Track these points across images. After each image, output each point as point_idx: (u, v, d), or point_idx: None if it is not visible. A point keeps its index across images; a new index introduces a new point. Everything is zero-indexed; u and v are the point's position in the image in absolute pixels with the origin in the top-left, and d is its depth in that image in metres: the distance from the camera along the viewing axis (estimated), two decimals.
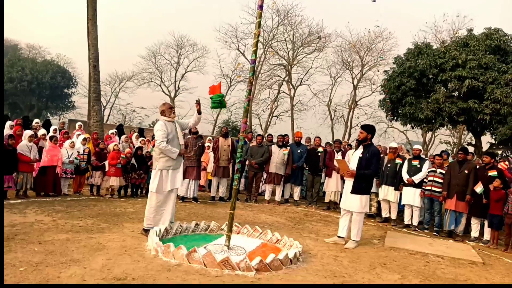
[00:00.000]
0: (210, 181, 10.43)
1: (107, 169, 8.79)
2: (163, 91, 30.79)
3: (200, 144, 9.23)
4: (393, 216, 8.70)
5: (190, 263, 4.40)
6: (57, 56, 34.31)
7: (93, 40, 13.59)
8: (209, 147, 10.83)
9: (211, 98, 5.55)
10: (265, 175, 10.47)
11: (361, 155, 6.31)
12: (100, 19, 13.90)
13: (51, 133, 9.15)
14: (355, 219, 6.28)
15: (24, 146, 7.80)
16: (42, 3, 60.30)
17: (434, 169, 8.33)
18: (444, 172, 8.17)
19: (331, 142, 10.91)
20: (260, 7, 5.19)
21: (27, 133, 8.08)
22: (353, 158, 6.53)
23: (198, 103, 6.02)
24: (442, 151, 9.56)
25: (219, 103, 5.57)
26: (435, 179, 8.19)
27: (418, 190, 8.30)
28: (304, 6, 45.46)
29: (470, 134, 16.58)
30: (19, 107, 31.15)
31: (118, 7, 55.84)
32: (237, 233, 6.04)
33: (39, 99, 31.22)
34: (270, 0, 24.08)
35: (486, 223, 7.59)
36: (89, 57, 13.66)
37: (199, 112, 6.12)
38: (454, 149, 23.72)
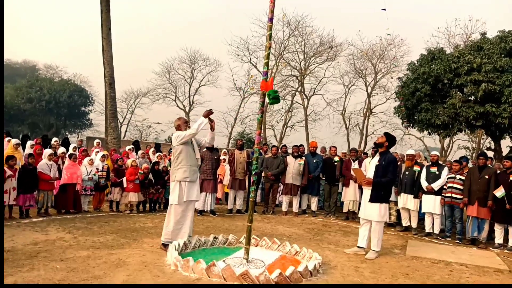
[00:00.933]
0: (227, 194, 10.45)
1: (125, 185, 8.90)
2: (178, 106, 31.16)
3: (215, 157, 9.28)
4: (414, 224, 8.55)
5: (209, 277, 4.40)
6: (74, 75, 35.25)
7: (108, 58, 13.90)
8: (225, 160, 10.87)
9: (268, 94, 5.33)
10: (281, 186, 10.44)
11: (377, 163, 6.26)
12: (113, 35, 14.21)
13: (70, 151, 9.33)
14: (375, 229, 6.20)
15: (44, 164, 7.96)
16: (58, 24, 61.98)
17: (453, 175, 8.19)
18: (463, 178, 8.02)
19: (346, 152, 10.85)
20: (270, 20, 5.24)
21: (47, 151, 8.26)
22: (370, 166, 6.48)
23: (211, 116, 5.89)
24: (461, 157, 9.38)
25: (276, 98, 5.39)
26: (455, 185, 8.05)
27: (438, 198, 8.16)
28: (314, 16, 45.64)
29: (489, 138, 16.28)
30: (38, 127, 31.87)
31: (129, 24, 57.01)
32: (256, 246, 6.02)
33: (57, 118, 31.90)
34: (280, 12, 24.31)
35: (510, 229, 7.40)
36: (105, 75, 13.96)
37: (212, 129, 6.11)
38: (474, 154, 23.29)
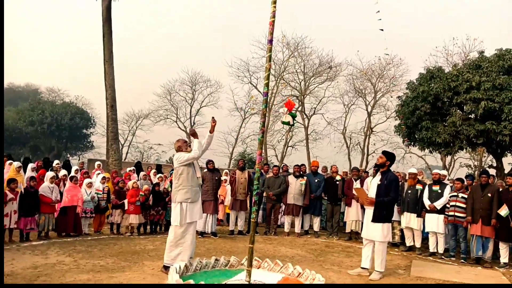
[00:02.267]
0: (228, 214, 10.38)
1: (126, 207, 8.85)
2: (179, 127, 31.25)
3: (216, 178, 9.25)
4: (418, 244, 8.45)
5: None
6: (76, 98, 35.52)
7: (110, 81, 14.04)
8: (226, 180, 10.84)
9: (290, 114, 5.37)
10: (283, 207, 10.37)
11: (379, 182, 6.23)
12: (114, 57, 14.36)
13: (72, 173, 9.33)
14: (378, 249, 6.13)
15: (45, 187, 7.95)
16: (61, 48, 62.91)
17: (455, 193, 8.14)
18: (466, 196, 7.97)
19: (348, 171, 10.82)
20: (270, 41, 5.32)
21: (49, 174, 8.26)
22: (372, 185, 6.45)
23: (214, 120, 5.97)
24: (467, 176, 9.33)
25: (293, 118, 5.42)
26: (457, 204, 7.99)
27: (441, 216, 8.09)
28: (314, 38, 46.20)
29: (491, 156, 16.25)
30: (40, 149, 31.96)
31: (130, 45, 57.86)
32: (258, 268, 5.94)
33: (59, 140, 31.99)
34: (279, 34, 24.63)
35: None
36: (107, 97, 14.07)
37: (212, 131, 6.02)
38: (476, 172, 23.20)
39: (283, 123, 5.49)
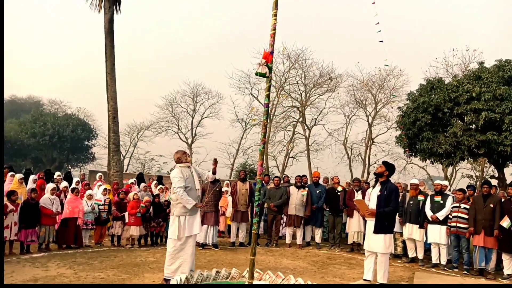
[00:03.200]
0: (229, 226, 10.34)
1: (127, 220, 8.83)
2: (180, 138, 31.28)
3: (217, 189, 9.24)
4: (420, 255, 8.39)
5: None
6: (78, 109, 35.68)
7: (112, 93, 14.11)
8: (227, 191, 10.82)
9: (266, 65, 5.35)
10: (284, 218, 10.33)
11: (379, 193, 6.22)
12: (116, 69, 14.44)
13: (73, 185, 9.33)
14: (381, 260, 6.09)
15: (46, 199, 7.95)
16: (63, 60, 63.44)
17: (457, 204, 8.11)
18: (468, 207, 7.94)
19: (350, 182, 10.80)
20: (271, 53, 5.35)
21: (50, 186, 8.26)
22: (372, 196, 6.43)
23: (215, 162, 6.32)
24: (468, 186, 9.31)
25: (269, 71, 5.38)
26: (460, 214, 7.95)
27: (444, 227, 8.04)
28: (314, 49, 46.56)
29: (492, 166, 16.21)
30: (41, 161, 31.97)
31: (132, 57, 58.28)
32: (259, 280, 5.89)
33: (60, 152, 32.03)
34: (280, 46, 24.81)
35: None
36: (108, 109, 14.12)
37: (214, 172, 6.37)
38: (477, 183, 23.13)
39: (259, 74, 5.39)
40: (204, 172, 6.47)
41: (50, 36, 67.53)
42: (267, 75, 5.25)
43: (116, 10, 14.72)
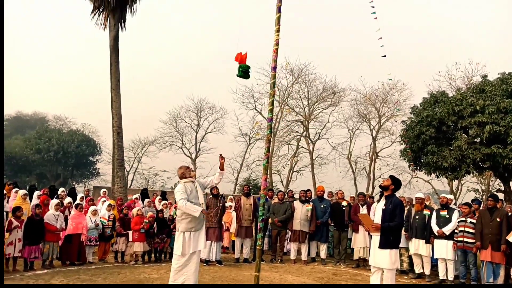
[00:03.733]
0: (233, 242, 10.25)
1: (130, 239, 8.79)
2: (184, 153, 31.35)
3: (221, 204, 9.18)
4: (427, 271, 8.26)
5: None
6: (83, 125, 35.98)
7: (116, 109, 14.21)
8: (231, 206, 10.75)
9: (240, 66, 5.35)
10: (289, 233, 10.23)
11: (384, 207, 6.16)
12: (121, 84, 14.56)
13: (77, 201, 9.33)
14: (387, 276, 5.99)
15: (51, 215, 7.94)
16: (68, 76, 64.15)
17: (463, 218, 8.02)
18: (474, 221, 7.84)
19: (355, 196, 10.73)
20: (274, 68, 5.41)
21: (54, 202, 8.26)
22: (377, 211, 6.37)
23: (222, 157, 6.12)
24: (473, 200, 9.22)
25: (246, 73, 5.37)
26: (466, 229, 7.85)
27: (450, 242, 7.94)
28: (317, 64, 46.85)
29: (498, 180, 16.09)
30: (46, 177, 32.08)
31: (136, 73, 58.87)
32: None
33: (65, 168, 32.15)
34: (283, 61, 25.00)
35: None
36: (113, 125, 14.21)
37: (222, 168, 6.19)
38: (483, 197, 22.92)
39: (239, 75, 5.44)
40: (209, 179, 6.41)
41: (56, 53, 68.49)
42: (246, 77, 5.27)
43: (121, 28, 14.93)
